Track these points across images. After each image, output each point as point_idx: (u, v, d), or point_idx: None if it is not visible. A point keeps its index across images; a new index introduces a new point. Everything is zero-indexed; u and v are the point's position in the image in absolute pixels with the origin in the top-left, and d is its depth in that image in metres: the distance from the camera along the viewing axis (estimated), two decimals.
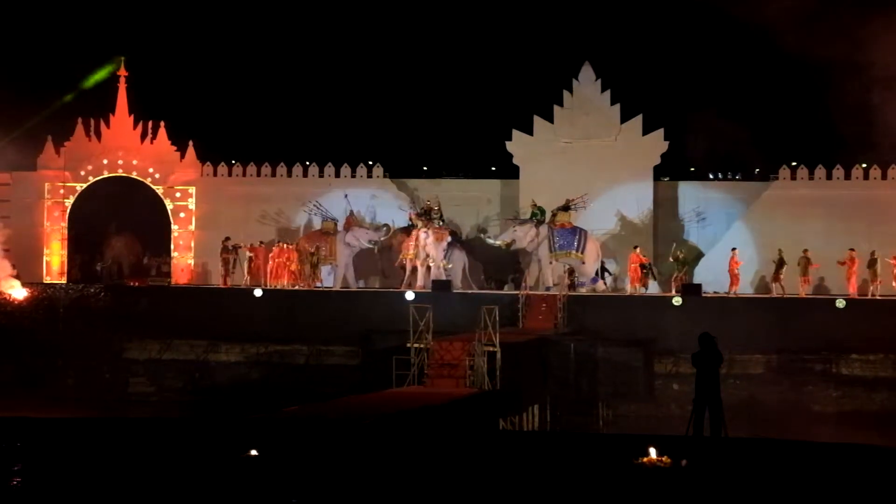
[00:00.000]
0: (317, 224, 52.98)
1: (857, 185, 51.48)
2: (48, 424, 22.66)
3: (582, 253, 49.17)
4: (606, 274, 50.45)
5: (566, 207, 49.86)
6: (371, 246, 51.95)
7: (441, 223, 50.35)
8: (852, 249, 47.35)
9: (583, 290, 49.07)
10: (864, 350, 43.91)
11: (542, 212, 49.98)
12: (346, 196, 52.88)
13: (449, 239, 50.38)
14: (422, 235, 49.82)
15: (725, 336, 29.07)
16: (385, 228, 51.94)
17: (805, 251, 47.94)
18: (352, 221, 52.35)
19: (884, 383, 43.71)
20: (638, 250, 48.67)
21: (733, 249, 48.67)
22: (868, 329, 43.86)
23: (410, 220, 51.38)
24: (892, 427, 40.14)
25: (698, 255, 52.08)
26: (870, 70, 47.87)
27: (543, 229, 49.60)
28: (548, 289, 48.55)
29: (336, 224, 52.08)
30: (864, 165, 51.59)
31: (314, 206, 52.81)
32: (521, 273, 51.18)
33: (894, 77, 47.67)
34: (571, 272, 50.01)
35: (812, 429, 39.51)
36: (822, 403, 43.74)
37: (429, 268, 49.62)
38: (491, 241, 50.93)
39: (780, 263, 47.82)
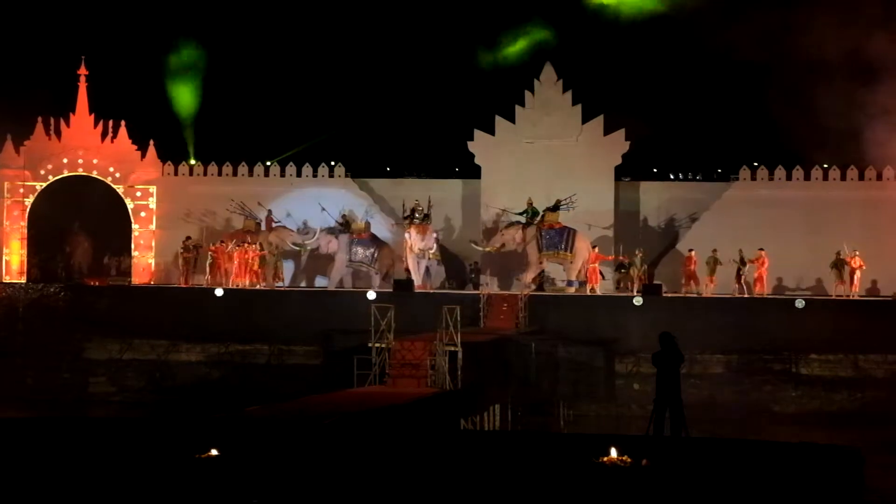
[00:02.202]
0: (238, 224, 52.82)
1: (816, 185, 51.74)
2: (5, 425, 22.51)
3: (570, 252, 49.08)
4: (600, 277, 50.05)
5: (555, 207, 49.87)
6: (295, 248, 51.81)
7: (420, 220, 50.26)
8: (762, 249, 47.67)
9: (549, 290, 49.18)
10: (824, 350, 44.23)
11: (535, 212, 50.01)
12: (261, 205, 52.75)
13: (432, 233, 50.26)
14: (406, 236, 50.19)
15: (686, 336, 29.21)
16: (312, 231, 51.94)
17: (714, 251, 48.30)
18: (272, 221, 52.27)
19: (843, 383, 44.03)
20: (596, 250, 48.73)
21: (690, 251, 48.94)
22: (827, 329, 44.13)
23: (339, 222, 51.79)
24: (850, 426, 40.38)
25: (659, 255, 52.27)
26: (827, 72, 48.27)
27: (531, 230, 49.62)
28: (527, 286, 48.74)
29: (259, 224, 51.96)
30: (826, 166, 51.89)
31: (237, 205, 52.56)
32: (479, 273, 51.36)
33: (848, 79, 48.14)
34: (541, 272, 50.10)
35: (772, 428, 39.77)
36: (782, 403, 44.02)
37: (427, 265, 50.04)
38: (480, 248, 50.78)
39: (742, 263, 48.06)
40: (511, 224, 50.26)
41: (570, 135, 52.74)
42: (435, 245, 50.33)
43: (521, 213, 50.26)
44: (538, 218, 49.86)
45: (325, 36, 67.99)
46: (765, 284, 47.80)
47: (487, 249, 50.60)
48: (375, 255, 51.18)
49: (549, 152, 52.54)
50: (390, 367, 34.58)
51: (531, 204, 50.20)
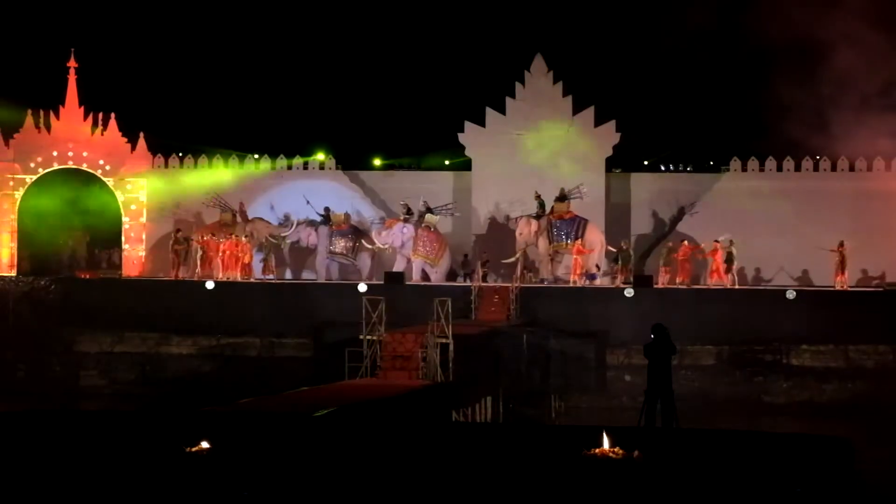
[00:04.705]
0: (212, 217, 52.63)
1: (806, 176, 51.85)
2: None
3: (581, 243, 48.94)
4: (596, 268, 49.95)
5: (563, 197, 49.73)
6: (274, 241, 51.62)
7: (409, 216, 50.33)
8: (717, 241, 47.79)
9: (596, 281, 48.79)
10: (814, 341, 44.26)
11: (542, 204, 49.94)
12: (240, 204, 52.71)
13: (400, 225, 50.13)
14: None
15: (677, 327, 29.20)
16: (289, 223, 51.78)
17: (669, 244, 48.60)
18: (245, 213, 52.11)
19: (833, 374, 44.05)
20: (580, 242, 48.66)
21: (683, 241, 49.02)
22: (818, 320, 44.17)
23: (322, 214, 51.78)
24: (841, 417, 40.44)
25: (651, 247, 52.29)
26: (817, 63, 48.35)
27: (543, 221, 49.52)
28: (542, 281, 48.70)
29: (235, 216, 51.79)
30: (819, 157, 51.89)
31: (213, 197, 52.44)
32: (468, 265, 51.34)
33: (840, 71, 48.19)
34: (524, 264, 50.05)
35: (763, 419, 39.80)
36: (773, 394, 44.04)
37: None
38: (510, 260, 50.24)
39: (730, 255, 48.06)
40: (520, 218, 50.08)
41: (561, 126, 52.71)
42: (390, 243, 50.14)
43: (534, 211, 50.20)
44: (548, 209, 49.76)
45: (317, 28, 68.05)
46: (722, 276, 47.78)
47: (517, 256, 50.09)
48: (356, 246, 51.18)
49: (540, 144, 52.50)
50: (381, 360, 34.61)
51: (539, 196, 50.12)
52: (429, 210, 50.81)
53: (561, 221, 49.38)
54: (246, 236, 50.31)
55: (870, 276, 49.90)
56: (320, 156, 55.29)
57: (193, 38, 66.33)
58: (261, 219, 52.16)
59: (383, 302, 35.44)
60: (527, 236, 49.68)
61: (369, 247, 50.71)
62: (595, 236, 49.23)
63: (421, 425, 25.48)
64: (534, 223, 49.56)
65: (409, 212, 50.58)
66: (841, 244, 47.11)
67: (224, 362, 46.60)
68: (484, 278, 48.02)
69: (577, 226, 49.17)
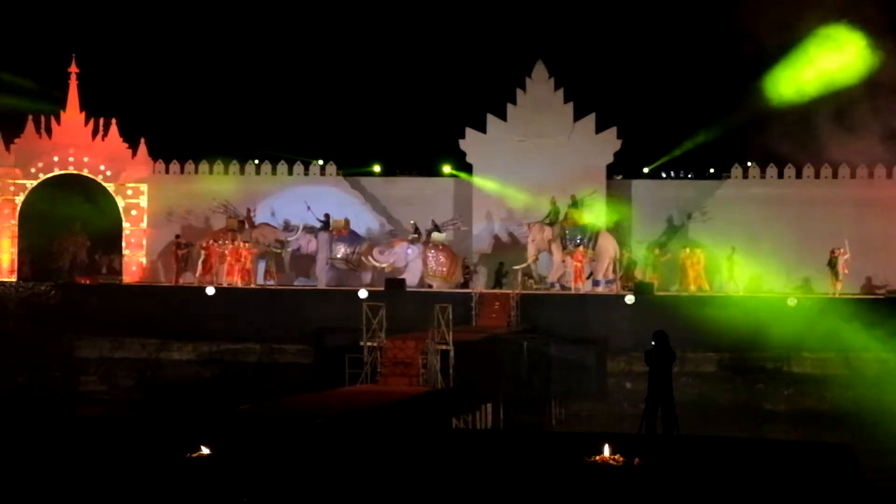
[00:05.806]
0: (220, 223, 52.56)
1: (808, 183, 51.82)
2: None
3: (593, 250, 48.88)
4: (612, 273, 49.77)
5: (574, 204, 49.67)
6: (277, 249, 51.57)
7: (417, 236, 50.37)
8: (697, 248, 47.95)
9: (600, 288, 48.76)
10: (815, 348, 44.15)
11: (557, 211, 49.91)
12: (247, 210, 52.75)
13: (405, 245, 50.14)
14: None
15: (677, 334, 29.18)
16: (295, 229, 51.66)
17: (655, 248, 49.29)
18: (251, 218, 52.06)
19: (834, 381, 43.94)
20: (581, 248, 48.60)
21: (684, 247, 49.04)
22: (819, 327, 44.09)
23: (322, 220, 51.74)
24: (842, 424, 40.38)
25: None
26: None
27: (557, 228, 49.46)
28: (552, 285, 48.69)
29: (243, 223, 51.64)
30: (827, 165, 51.79)
31: (220, 204, 52.30)
32: (473, 272, 51.26)
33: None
34: (528, 271, 49.97)
35: (763, 427, 39.77)
36: (774, 401, 43.98)
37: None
38: (520, 266, 50.07)
39: (732, 263, 48.11)
40: (533, 224, 49.95)
41: (562, 133, 52.74)
42: (391, 262, 50.18)
43: (546, 216, 50.09)
44: (561, 216, 49.74)
45: (318, 34, 68.05)
46: (704, 282, 48.01)
47: (529, 262, 49.98)
48: (356, 252, 51.04)
49: (541, 150, 52.51)
50: (382, 366, 34.53)
51: (554, 202, 50.07)
52: (436, 228, 50.65)
53: (573, 228, 49.26)
54: (247, 242, 50.20)
55: (872, 284, 49.90)
56: (321, 161, 55.15)
57: (195, 43, 66.32)
58: (267, 224, 52.10)
59: (384, 308, 35.38)
60: (539, 243, 49.58)
61: (365, 262, 50.50)
62: (608, 243, 49.14)
63: (421, 432, 25.44)
64: (547, 230, 49.49)
65: (416, 231, 50.44)
66: (833, 251, 47.24)
67: (224, 368, 46.50)
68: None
69: (590, 233, 49.06)
